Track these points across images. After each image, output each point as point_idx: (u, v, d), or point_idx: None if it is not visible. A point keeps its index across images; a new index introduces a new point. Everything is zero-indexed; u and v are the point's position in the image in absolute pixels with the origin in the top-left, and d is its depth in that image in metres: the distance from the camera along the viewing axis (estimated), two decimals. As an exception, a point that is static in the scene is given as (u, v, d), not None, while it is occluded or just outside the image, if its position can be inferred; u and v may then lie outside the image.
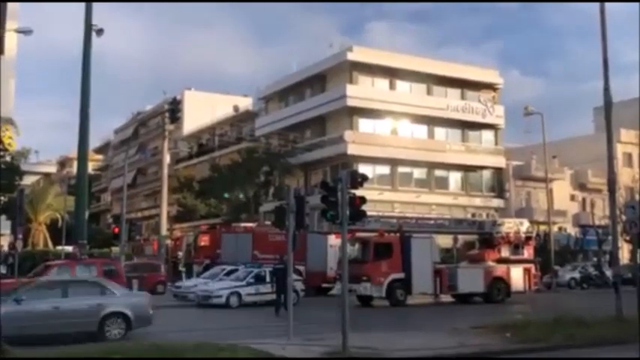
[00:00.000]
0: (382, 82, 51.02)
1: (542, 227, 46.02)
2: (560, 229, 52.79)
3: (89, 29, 24.82)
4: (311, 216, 25.11)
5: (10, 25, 35.11)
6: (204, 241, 35.05)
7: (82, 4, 25.21)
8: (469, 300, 28.76)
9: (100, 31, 24.95)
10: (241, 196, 53.87)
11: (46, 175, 55.49)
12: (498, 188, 54.64)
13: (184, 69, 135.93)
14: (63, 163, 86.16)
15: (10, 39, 35.48)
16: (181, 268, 34.57)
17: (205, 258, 33.25)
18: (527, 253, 32.52)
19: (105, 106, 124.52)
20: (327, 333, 15.33)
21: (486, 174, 54.63)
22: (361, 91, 49.23)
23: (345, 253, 15.43)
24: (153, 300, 26.78)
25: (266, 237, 32.60)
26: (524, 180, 55.47)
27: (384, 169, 49.80)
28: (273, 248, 30.06)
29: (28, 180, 36.77)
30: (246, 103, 65.93)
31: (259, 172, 53.28)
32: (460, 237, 38.96)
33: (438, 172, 52.26)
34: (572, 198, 58.30)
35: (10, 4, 37.44)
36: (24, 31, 30.78)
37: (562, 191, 55.63)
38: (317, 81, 52.67)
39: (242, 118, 63.91)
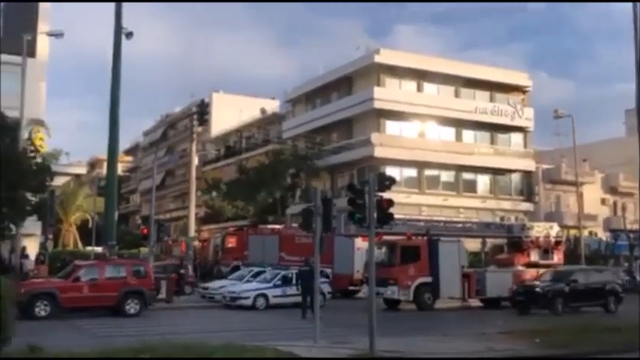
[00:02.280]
0: (409, 85, 50.83)
1: (572, 231, 45.42)
2: (590, 233, 52.07)
3: (119, 32, 25.12)
4: (338, 218, 25.07)
5: (42, 27, 35.71)
6: (232, 242, 35.18)
7: (112, 7, 25.55)
8: (498, 305, 28.45)
9: (129, 34, 25.24)
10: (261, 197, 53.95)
11: (77, 176, 56.10)
12: (527, 192, 54.06)
13: (212, 71, 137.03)
14: (93, 165, 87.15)
15: (42, 42, 36.04)
16: (224, 269, 34.05)
17: (233, 259, 33.38)
18: (557, 257, 32.17)
19: (134, 108, 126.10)
20: (354, 336, 15.28)
21: (515, 177, 54.08)
22: (388, 93, 49.08)
23: (372, 256, 15.36)
24: (181, 301, 27.10)
25: (293, 239, 32.62)
26: (553, 183, 54.81)
27: (412, 172, 49.56)
28: (299, 250, 30.04)
29: (58, 181, 37.18)
30: (273, 105, 66.14)
31: (286, 174, 53.36)
32: (488, 241, 38.61)
33: (466, 175, 51.87)
34: (603, 202, 57.47)
35: (41, 7, 38.12)
36: (55, 34, 31.35)
37: (592, 195, 54.86)
38: (344, 83, 52.64)
39: (269, 121, 64.13)
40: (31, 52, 33.34)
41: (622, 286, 27.51)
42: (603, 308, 25.46)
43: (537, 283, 26.14)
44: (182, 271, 31.86)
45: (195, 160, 42.78)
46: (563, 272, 26.85)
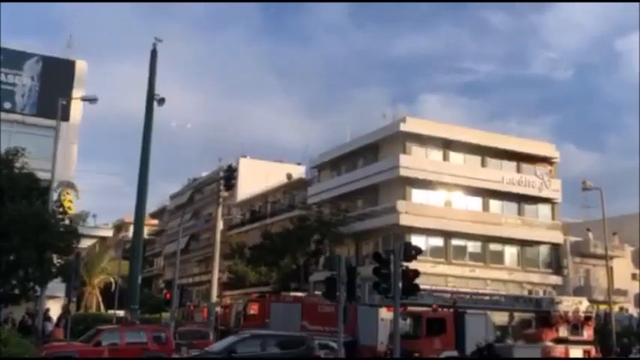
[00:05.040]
0: (436, 153, 50.87)
1: (602, 307, 44.15)
2: (621, 309, 50.57)
3: (151, 98, 25.67)
4: (362, 287, 24.78)
5: (77, 92, 36.73)
6: (254, 309, 34.69)
7: (146, 73, 26.20)
8: (526, 381, 27.54)
9: (161, 101, 25.78)
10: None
11: (103, 238, 56.48)
12: (556, 264, 53.06)
13: (240, 137, 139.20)
14: (119, 227, 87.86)
15: (76, 105, 36.98)
16: None
17: (254, 327, 32.88)
18: (587, 333, 31.22)
19: (162, 172, 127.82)
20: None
21: (543, 249, 53.22)
22: (414, 161, 49.13)
23: (397, 327, 15.05)
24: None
25: (315, 308, 32.06)
26: (582, 257, 53.75)
27: (438, 241, 49.04)
28: (322, 320, 29.52)
29: (84, 243, 37.43)
30: (299, 171, 66.59)
31: (310, 240, 53.14)
32: (516, 314, 37.70)
33: (493, 246, 51.16)
34: (634, 277, 56.01)
35: (77, 71, 39.33)
36: (89, 99, 32.11)
37: (623, 269, 53.59)
38: (370, 151, 52.89)
39: (294, 186, 64.42)
40: (65, 116, 34.17)
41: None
42: None
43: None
44: None
45: (220, 225, 42.88)
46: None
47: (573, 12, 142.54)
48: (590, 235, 52.35)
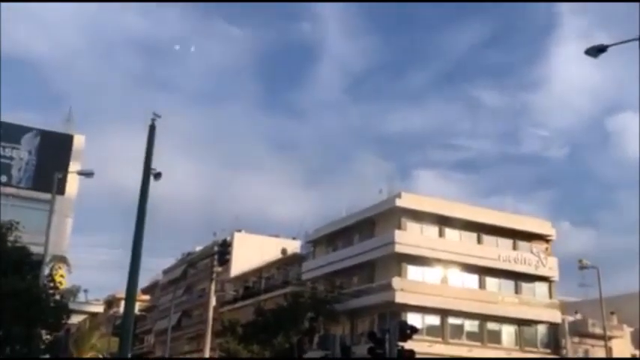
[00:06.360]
0: (431, 230, 50.63)
1: (604, 389, 43.19)
2: (622, 391, 49.52)
3: (148, 174, 25.60)
4: (357, 367, 24.21)
5: (74, 165, 36.91)
6: (246, 390, 33.86)
7: (143, 147, 26.22)
8: None
9: (157, 175, 25.63)
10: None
11: (93, 315, 55.69)
12: (554, 344, 52.02)
13: (236, 211, 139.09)
14: (110, 303, 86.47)
15: (72, 179, 37.10)
16: None
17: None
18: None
19: (155, 246, 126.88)
20: None
21: (541, 329, 52.30)
22: (410, 237, 48.83)
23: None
24: None
25: (310, 388, 31.33)
26: (581, 336, 52.83)
27: (434, 320, 48.22)
28: (316, 401, 28.73)
29: (75, 319, 36.81)
30: (294, 246, 66.17)
31: (304, 318, 52.19)
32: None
33: (491, 325, 50.23)
34: (634, 358, 55.07)
35: (75, 145, 39.65)
36: (86, 174, 32.17)
37: (622, 350, 52.66)
38: (366, 226, 52.67)
39: (289, 262, 63.83)
40: (61, 190, 34.19)
41: None
42: None
43: None
44: None
45: (213, 301, 42.26)
46: None
47: (564, 91, 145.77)
48: (579, 315, 51.86)
